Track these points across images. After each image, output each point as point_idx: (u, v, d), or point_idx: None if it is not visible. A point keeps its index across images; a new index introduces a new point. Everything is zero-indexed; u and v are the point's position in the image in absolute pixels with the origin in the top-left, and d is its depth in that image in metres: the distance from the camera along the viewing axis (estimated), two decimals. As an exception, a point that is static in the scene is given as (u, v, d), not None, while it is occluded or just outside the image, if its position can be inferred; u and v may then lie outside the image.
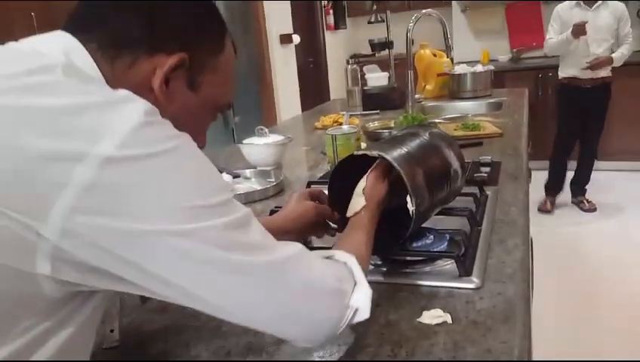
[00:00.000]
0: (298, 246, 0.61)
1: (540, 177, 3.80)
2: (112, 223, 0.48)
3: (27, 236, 0.47)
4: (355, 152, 0.90)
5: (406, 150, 0.88)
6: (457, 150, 1.02)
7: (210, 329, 0.79)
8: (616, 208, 3.69)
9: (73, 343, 0.56)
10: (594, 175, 3.85)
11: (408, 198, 0.84)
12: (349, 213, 0.82)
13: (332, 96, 5.68)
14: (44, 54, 0.56)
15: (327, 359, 0.70)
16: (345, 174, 0.92)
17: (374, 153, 0.85)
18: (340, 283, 0.62)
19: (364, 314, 0.63)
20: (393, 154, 0.85)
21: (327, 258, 0.67)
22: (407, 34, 2.28)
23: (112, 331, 0.79)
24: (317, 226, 0.94)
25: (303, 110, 4.21)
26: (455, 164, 0.98)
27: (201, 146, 0.69)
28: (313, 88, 5.61)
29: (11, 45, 0.60)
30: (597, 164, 4.40)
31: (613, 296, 2.62)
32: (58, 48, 0.57)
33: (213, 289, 0.53)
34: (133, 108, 0.51)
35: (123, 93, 0.53)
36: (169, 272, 0.51)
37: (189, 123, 0.64)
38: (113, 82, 0.58)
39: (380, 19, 2.56)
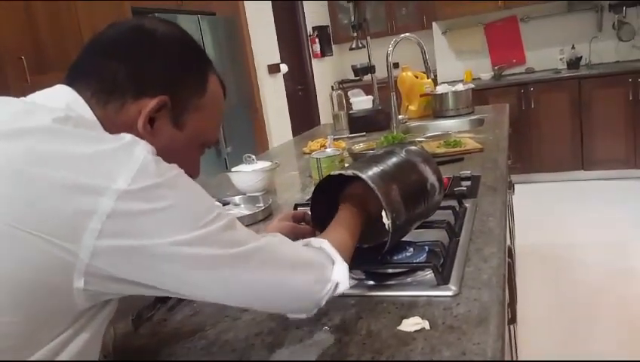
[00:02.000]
0: (279, 235, 0.75)
1: (522, 190, 3.85)
2: (132, 243, 0.58)
3: (64, 256, 0.56)
4: (332, 173, 0.94)
5: (381, 168, 0.93)
6: (434, 165, 1.06)
7: (201, 349, 0.82)
8: (606, 215, 3.74)
9: (85, 349, 0.63)
10: (580, 184, 3.90)
11: (383, 213, 0.88)
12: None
13: (322, 120, 5.77)
14: (56, 108, 0.65)
15: (312, 370, 0.73)
16: (327, 195, 0.96)
17: (349, 172, 0.89)
18: (319, 260, 0.75)
19: (343, 286, 0.76)
20: (368, 173, 0.89)
21: (305, 245, 0.79)
22: (387, 58, 2.35)
23: (105, 356, 0.82)
24: None
25: (294, 135, 4.27)
26: (431, 179, 1.03)
27: (195, 176, 0.78)
28: (303, 114, 5.69)
29: (20, 100, 0.68)
30: (583, 173, 4.49)
31: (605, 302, 2.65)
32: (61, 100, 0.67)
33: (218, 279, 0.64)
34: (138, 150, 0.61)
35: (128, 137, 0.63)
36: (183, 272, 0.62)
37: (178, 157, 0.71)
38: (107, 124, 0.68)
39: (361, 45, 2.63)
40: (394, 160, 1.00)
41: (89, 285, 0.58)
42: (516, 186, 2.59)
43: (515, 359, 1.57)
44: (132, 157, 0.60)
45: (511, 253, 1.44)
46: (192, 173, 0.77)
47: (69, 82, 0.70)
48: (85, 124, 0.65)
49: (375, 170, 0.92)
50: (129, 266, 0.59)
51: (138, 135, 0.67)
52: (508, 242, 1.53)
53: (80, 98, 0.68)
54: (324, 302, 0.74)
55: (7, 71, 2.68)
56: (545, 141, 4.56)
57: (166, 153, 0.68)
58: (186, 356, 0.81)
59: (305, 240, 0.81)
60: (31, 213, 0.55)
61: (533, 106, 4.52)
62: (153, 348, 0.85)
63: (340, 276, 0.75)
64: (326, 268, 0.75)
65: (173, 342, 0.85)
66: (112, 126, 0.68)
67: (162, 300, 0.98)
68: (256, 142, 4.66)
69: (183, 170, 0.66)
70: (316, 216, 0.99)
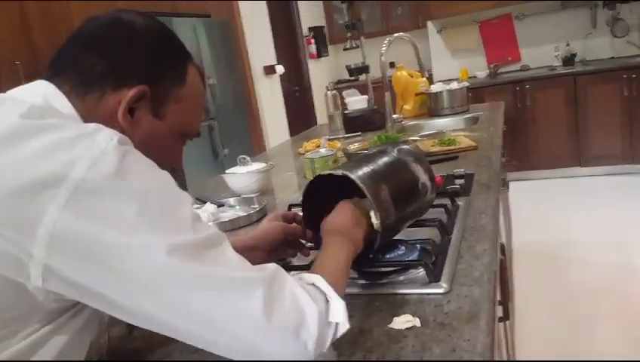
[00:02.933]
0: (270, 267, 0.64)
1: (520, 188, 3.85)
2: (89, 233, 0.55)
3: (20, 254, 0.55)
4: (322, 173, 0.95)
5: (371, 168, 0.93)
6: (426, 164, 1.06)
7: (194, 352, 0.82)
8: (603, 211, 3.74)
9: (66, 351, 0.63)
10: (577, 180, 3.91)
11: (372, 213, 0.89)
12: None
13: (319, 121, 5.77)
14: (26, 102, 0.64)
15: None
16: (319, 194, 0.97)
17: (339, 172, 0.90)
18: (316, 303, 0.64)
19: (343, 327, 0.67)
20: (357, 173, 0.90)
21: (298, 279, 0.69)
22: (380, 57, 2.36)
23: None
24: (288, 245, 1.00)
25: (291, 136, 4.28)
26: (423, 178, 1.03)
27: (178, 167, 0.78)
28: (300, 115, 5.70)
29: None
30: (580, 170, 4.50)
31: (604, 299, 2.65)
32: (38, 94, 0.67)
33: (190, 303, 0.57)
34: (101, 137, 0.59)
35: (92, 126, 0.61)
36: (133, 274, 0.56)
37: (160, 148, 0.72)
38: (87, 117, 0.67)
39: (355, 45, 2.64)
40: (385, 159, 1.00)
41: (48, 285, 0.57)
42: (513, 184, 2.60)
43: (512, 357, 1.58)
44: (93, 144, 0.58)
45: (504, 250, 1.45)
46: (174, 163, 0.77)
47: (50, 77, 0.70)
48: (55, 115, 0.64)
49: (365, 169, 0.93)
50: (81, 264, 0.55)
51: (119, 126, 0.67)
52: (502, 239, 1.54)
53: (58, 91, 0.68)
54: (326, 347, 0.65)
55: (3, 76, 2.69)
56: (541, 138, 4.57)
57: (147, 144, 0.68)
58: (179, 357, 0.81)
59: (295, 274, 0.71)
60: None
61: (529, 103, 4.53)
62: (148, 351, 0.85)
63: (339, 316, 0.66)
64: (323, 311, 0.64)
65: (167, 344, 0.86)
66: (92, 118, 0.67)
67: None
68: (253, 144, 4.66)
69: (156, 165, 0.64)
70: (308, 217, 0.99)
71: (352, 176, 0.88)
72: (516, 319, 2.22)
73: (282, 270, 0.66)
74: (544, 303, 2.68)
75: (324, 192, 0.97)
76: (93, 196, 0.55)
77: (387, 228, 0.90)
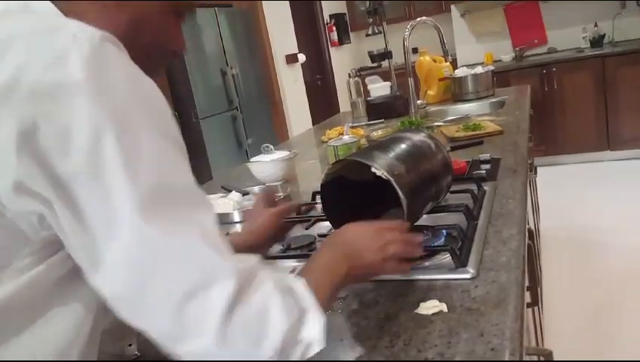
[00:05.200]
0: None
1: (548, 173, 3.78)
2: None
3: None
4: (335, 161, 0.95)
5: (392, 153, 0.93)
6: (442, 149, 1.06)
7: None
8: (633, 195, 3.66)
9: (70, 302, 0.58)
10: (606, 165, 3.82)
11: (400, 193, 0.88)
12: None
13: (342, 108, 5.75)
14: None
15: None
16: (339, 182, 0.97)
17: (358, 159, 0.90)
18: (287, 315, 0.55)
19: (318, 345, 0.57)
20: (377, 160, 0.89)
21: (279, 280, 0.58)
22: (403, 43, 2.33)
23: (130, 345, 0.85)
24: (281, 228, 1.00)
25: (314, 124, 4.28)
26: (440, 163, 1.03)
27: (180, 50, 0.70)
28: (323, 103, 5.69)
29: None
30: (609, 153, 4.40)
31: (633, 286, 2.60)
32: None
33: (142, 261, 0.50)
34: (63, 34, 0.51)
35: (56, 20, 0.56)
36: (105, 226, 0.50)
37: (155, 28, 0.65)
38: (73, 11, 0.59)
39: (377, 31, 2.61)
40: (403, 145, 0.99)
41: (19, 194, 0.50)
42: (541, 169, 2.56)
43: (540, 343, 1.56)
44: (52, 43, 0.50)
45: (532, 236, 1.43)
46: (174, 44, 0.69)
47: None
48: (35, 13, 0.57)
49: (386, 155, 0.92)
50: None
51: (104, 12, 0.61)
52: (529, 224, 1.51)
53: None
54: None
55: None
56: (569, 122, 4.47)
57: (140, 26, 0.63)
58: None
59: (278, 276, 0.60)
60: None
61: (556, 87, 4.43)
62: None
63: (313, 335, 0.56)
64: (295, 327, 0.55)
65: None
66: (78, 12, 0.58)
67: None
68: (276, 133, 4.68)
69: (143, 76, 0.55)
70: (328, 206, 0.99)
71: (375, 165, 0.87)
72: (544, 304, 2.19)
73: (263, 267, 0.58)
74: (571, 289, 2.64)
75: (343, 180, 0.97)
76: (44, 102, 0.48)
77: (409, 215, 0.89)
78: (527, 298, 1.20)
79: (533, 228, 2.04)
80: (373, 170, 0.86)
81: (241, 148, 4.19)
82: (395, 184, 0.86)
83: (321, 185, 0.96)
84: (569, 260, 2.95)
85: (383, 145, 0.96)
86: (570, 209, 3.63)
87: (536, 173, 2.23)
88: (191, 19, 0.72)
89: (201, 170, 3.82)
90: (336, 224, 0.97)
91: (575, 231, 3.30)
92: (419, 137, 1.02)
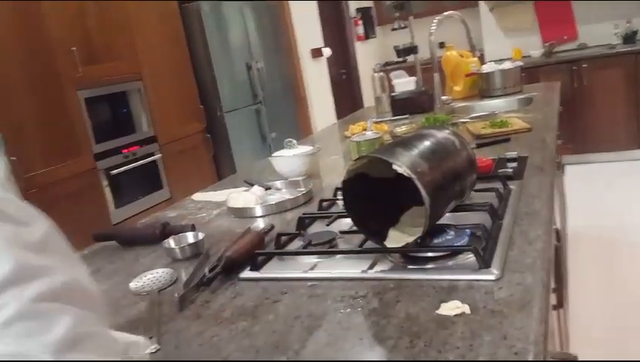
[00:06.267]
0: None
1: (576, 171, 3.70)
2: None
3: None
4: (356, 158, 0.93)
5: (416, 151, 0.91)
6: (466, 146, 1.04)
7: (242, 331, 0.83)
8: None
9: None
10: (636, 164, 3.72)
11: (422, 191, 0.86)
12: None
13: (366, 104, 5.72)
14: None
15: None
16: (362, 177, 0.96)
17: (380, 156, 0.88)
18: None
19: None
20: (399, 157, 0.88)
21: None
22: (429, 37, 2.30)
23: (151, 337, 0.85)
24: None
25: (338, 119, 4.27)
26: (464, 160, 1.01)
27: None
28: (347, 98, 5.66)
29: None
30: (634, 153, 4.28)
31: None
32: None
33: None
34: None
35: None
36: None
37: None
38: None
39: (403, 25, 2.58)
40: (426, 142, 0.98)
41: None
42: (570, 167, 2.50)
43: (565, 346, 1.53)
44: None
45: (559, 236, 1.39)
46: None
47: None
48: None
49: (409, 152, 0.91)
50: None
51: None
52: (556, 224, 1.48)
53: None
54: None
55: (59, 62, 2.78)
56: (599, 120, 4.37)
57: None
58: (227, 338, 0.82)
59: None
60: None
61: (586, 83, 4.33)
62: (197, 330, 0.87)
63: None
64: None
65: (215, 324, 0.87)
66: None
67: (205, 283, 1.01)
68: (299, 127, 4.67)
69: None
70: (350, 201, 0.98)
71: (397, 163, 0.86)
72: (570, 306, 2.15)
73: None
74: (599, 290, 2.58)
75: (366, 177, 0.96)
76: None
77: (432, 214, 0.87)
78: (553, 300, 1.17)
79: (560, 227, 1.99)
80: (394, 167, 0.85)
81: (265, 142, 4.20)
82: (417, 182, 0.84)
83: (343, 182, 0.95)
84: (597, 260, 2.88)
85: (405, 142, 0.95)
86: (598, 208, 3.55)
87: (564, 171, 2.18)
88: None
89: (225, 164, 3.84)
90: (358, 221, 0.96)
91: (604, 231, 3.22)
92: (443, 134, 1.01)
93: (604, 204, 3.63)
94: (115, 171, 3.03)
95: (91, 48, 2.99)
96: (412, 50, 2.70)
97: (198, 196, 1.72)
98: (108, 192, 3.01)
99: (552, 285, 1.12)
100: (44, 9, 2.72)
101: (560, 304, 1.20)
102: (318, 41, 5.06)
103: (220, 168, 3.85)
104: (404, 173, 0.85)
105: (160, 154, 3.37)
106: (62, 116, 2.79)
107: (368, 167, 0.97)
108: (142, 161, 3.22)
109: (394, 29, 2.70)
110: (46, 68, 2.73)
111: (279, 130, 4.26)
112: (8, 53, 2.56)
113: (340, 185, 1.51)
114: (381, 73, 2.74)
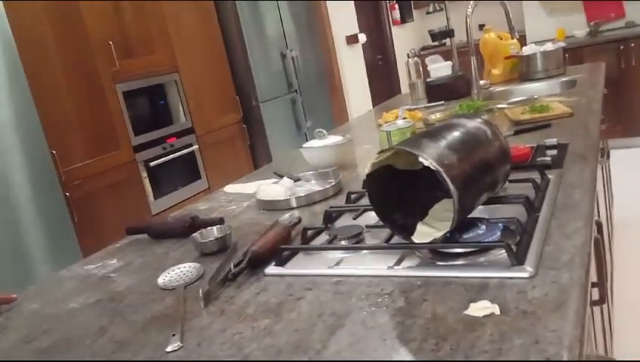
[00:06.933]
0: None
1: (623, 156, 3.53)
2: None
3: None
4: (378, 153, 0.90)
5: (444, 142, 0.87)
6: (499, 136, 0.99)
7: (264, 329, 0.82)
8: None
9: None
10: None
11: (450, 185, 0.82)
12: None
13: (404, 90, 5.62)
14: None
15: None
16: (389, 169, 0.92)
17: (406, 148, 0.84)
18: None
19: None
20: (425, 149, 0.84)
21: None
22: (466, 19, 2.22)
23: (174, 335, 0.85)
24: None
25: (374, 106, 4.20)
26: (497, 150, 0.96)
27: None
28: (384, 84, 5.58)
29: None
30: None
31: None
32: None
33: None
34: None
35: None
36: None
37: None
38: None
39: (438, 8, 2.50)
40: (456, 133, 0.93)
41: None
42: (616, 152, 2.38)
43: (609, 343, 1.45)
44: None
45: (601, 229, 1.32)
46: None
47: None
48: None
49: (436, 144, 0.87)
50: None
51: None
52: (597, 216, 1.40)
53: None
54: None
55: (97, 57, 2.83)
56: (649, 101, 4.16)
57: None
58: (250, 336, 0.81)
59: None
60: None
61: (634, 64, 4.12)
62: (220, 327, 0.86)
63: None
64: None
65: (239, 321, 0.86)
66: None
67: (230, 278, 1.00)
68: (335, 115, 4.64)
69: None
70: (374, 195, 0.94)
71: (424, 156, 0.82)
72: (615, 301, 2.05)
73: None
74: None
75: (392, 169, 0.92)
76: None
77: (462, 207, 0.83)
78: (595, 295, 1.11)
79: (604, 216, 1.90)
80: (420, 159, 0.81)
81: (300, 130, 4.19)
82: (444, 174, 0.80)
83: (367, 175, 0.92)
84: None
85: (433, 133, 0.91)
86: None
87: (608, 157, 2.08)
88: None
89: (262, 154, 3.84)
90: (383, 215, 0.93)
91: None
92: (474, 123, 0.96)
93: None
94: (153, 163, 3.08)
95: (128, 43, 3.03)
96: (448, 33, 2.62)
97: (229, 188, 1.72)
98: (147, 184, 3.06)
99: (594, 279, 1.06)
100: (82, 7, 2.76)
101: (602, 299, 1.13)
102: (353, 27, 4.98)
103: (257, 158, 3.86)
104: (431, 166, 0.81)
105: (197, 145, 3.40)
106: (101, 110, 2.84)
107: (395, 159, 0.93)
108: (180, 152, 3.26)
109: (428, 13, 2.62)
110: (85, 64, 2.78)
111: (315, 118, 4.23)
112: (51, 51, 2.62)
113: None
114: (416, 58, 2.67)
